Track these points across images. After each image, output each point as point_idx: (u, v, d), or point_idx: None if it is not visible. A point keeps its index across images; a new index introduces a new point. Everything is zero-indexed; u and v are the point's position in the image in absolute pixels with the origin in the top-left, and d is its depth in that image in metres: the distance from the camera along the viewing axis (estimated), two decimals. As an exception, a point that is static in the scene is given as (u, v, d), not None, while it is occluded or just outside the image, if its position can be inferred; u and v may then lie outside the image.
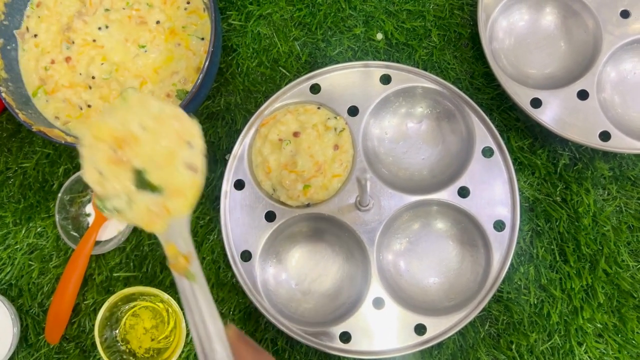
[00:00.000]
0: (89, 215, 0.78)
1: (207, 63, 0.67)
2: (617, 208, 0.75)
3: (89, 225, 0.76)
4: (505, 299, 0.73)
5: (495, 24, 0.76)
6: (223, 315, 0.74)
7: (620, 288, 0.72)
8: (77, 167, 0.79)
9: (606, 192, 0.75)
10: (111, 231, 0.77)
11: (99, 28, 0.75)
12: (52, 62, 0.75)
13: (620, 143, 0.70)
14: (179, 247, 0.45)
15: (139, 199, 0.46)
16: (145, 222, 0.46)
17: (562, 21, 0.77)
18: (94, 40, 0.75)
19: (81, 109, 0.74)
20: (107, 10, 0.75)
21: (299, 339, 0.68)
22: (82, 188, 0.78)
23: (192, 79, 0.72)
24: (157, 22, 0.75)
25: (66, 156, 0.80)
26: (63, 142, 0.69)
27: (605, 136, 0.71)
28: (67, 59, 0.75)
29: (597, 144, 0.70)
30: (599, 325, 0.72)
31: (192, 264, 0.45)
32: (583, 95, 0.72)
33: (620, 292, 0.72)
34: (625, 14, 0.74)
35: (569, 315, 0.72)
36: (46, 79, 0.74)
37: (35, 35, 0.76)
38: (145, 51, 0.74)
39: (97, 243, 0.76)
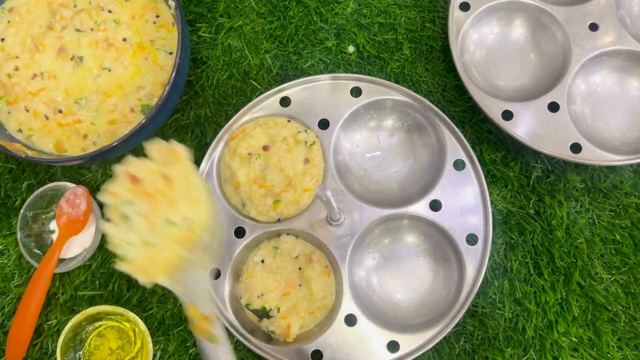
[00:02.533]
0: (52, 232, 0.75)
1: (174, 74, 0.66)
2: (590, 220, 0.74)
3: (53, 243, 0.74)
4: (480, 313, 0.71)
5: (466, 36, 0.76)
6: (189, 333, 0.72)
7: (594, 301, 0.72)
8: (41, 182, 0.77)
9: (579, 204, 0.75)
10: (76, 248, 0.74)
11: (71, 58, 0.73)
12: (16, 69, 0.72)
13: (591, 155, 0.70)
14: (201, 309, 0.45)
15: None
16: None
17: (532, 34, 0.77)
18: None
19: (47, 118, 0.72)
20: (77, 30, 0.73)
21: (270, 358, 0.66)
22: (46, 204, 0.75)
23: (159, 94, 0.71)
24: (124, 40, 0.73)
25: (30, 171, 0.77)
26: (24, 156, 0.67)
27: (576, 148, 0.70)
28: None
29: (569, 156, 0.70)
30: (574, 339, 0.71)
31: (214, 326, 0.45)
32: (554, 107, 0.72)
33: (594, 305, 0.72)
34: (593, 27, 0.74)
35: (544, 329, 0.71)
36: (9, 87, 0.72)
37: (2, 39, 0.74)
38: (109, 70, 0.72)
39: (61, 261, 0.73)
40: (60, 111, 0.72)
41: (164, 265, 0.45)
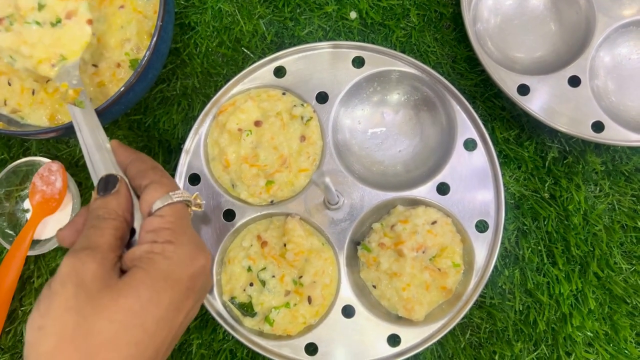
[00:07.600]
0: (26, 211, 0.70)
1: (155, 39, 0.59)
2: (610, 205, 0.69)
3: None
4: (488, 305, 0.67)
5: (479, 3, 0.70)
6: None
7: (612, 293, 0.67)
8: (15, 157, 0.71)
9: (598, 189, 0.69)
10: (52, 229, 0.69)
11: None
12: None
13: (614, 134, 0.65)
14: (70, 85, 0.56)
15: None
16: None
17: (553, 1, 0.71)
18: None
19: (33, 92, 0.65)
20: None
21: (259, 350, 0.61)
22: (20, 180, 0.70)
23: (146, 46, 0.64)
24: None
25: (2, 145, 0.71)
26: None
27: (598, 127, 0.65)
28: None
29: (590, 135, 0.65)
30: (589, 333, 0.66)
31: (79, 95, 0.55)
32: (574, 81, 0.66)
33: (612, 297, 0.67)
34: (621, -6, 0.68)
35: (557, 322, 0.66)
36: None
37: None
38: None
39: (36, 242, 0.69)
40: (48, 81, 0.65)
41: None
